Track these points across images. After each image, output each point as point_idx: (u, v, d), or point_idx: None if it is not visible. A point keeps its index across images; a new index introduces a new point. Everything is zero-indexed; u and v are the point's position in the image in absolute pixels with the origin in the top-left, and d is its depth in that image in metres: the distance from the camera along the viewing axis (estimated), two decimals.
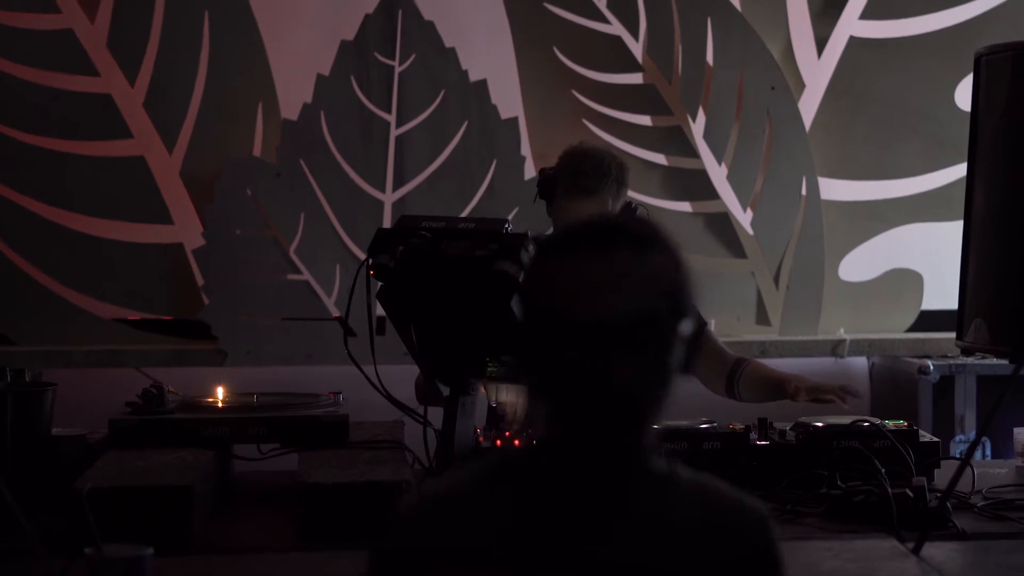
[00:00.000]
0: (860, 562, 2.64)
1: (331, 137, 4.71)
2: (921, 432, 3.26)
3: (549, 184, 3.52)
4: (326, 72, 4.72)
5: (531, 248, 1.76)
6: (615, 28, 4.85)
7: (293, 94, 4.71)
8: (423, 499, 1.69)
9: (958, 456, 4.35)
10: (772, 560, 1.65)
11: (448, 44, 4.76)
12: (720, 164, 4.88)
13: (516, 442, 3.07)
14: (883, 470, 2.98)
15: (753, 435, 3.19)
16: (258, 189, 4.68)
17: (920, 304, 5.00)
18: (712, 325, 3.74)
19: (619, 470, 1.64)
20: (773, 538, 1.66)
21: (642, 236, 1.66)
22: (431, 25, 4.75)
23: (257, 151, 4.73)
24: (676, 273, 1.66)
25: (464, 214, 4.71)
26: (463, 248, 2.86)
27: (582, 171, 3.48)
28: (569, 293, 1.62)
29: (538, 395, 1.67)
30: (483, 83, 4.77)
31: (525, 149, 4.80)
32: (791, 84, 4.91)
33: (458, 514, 1.63)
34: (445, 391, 2.98)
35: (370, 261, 2.91)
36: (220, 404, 3.31)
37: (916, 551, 2.68)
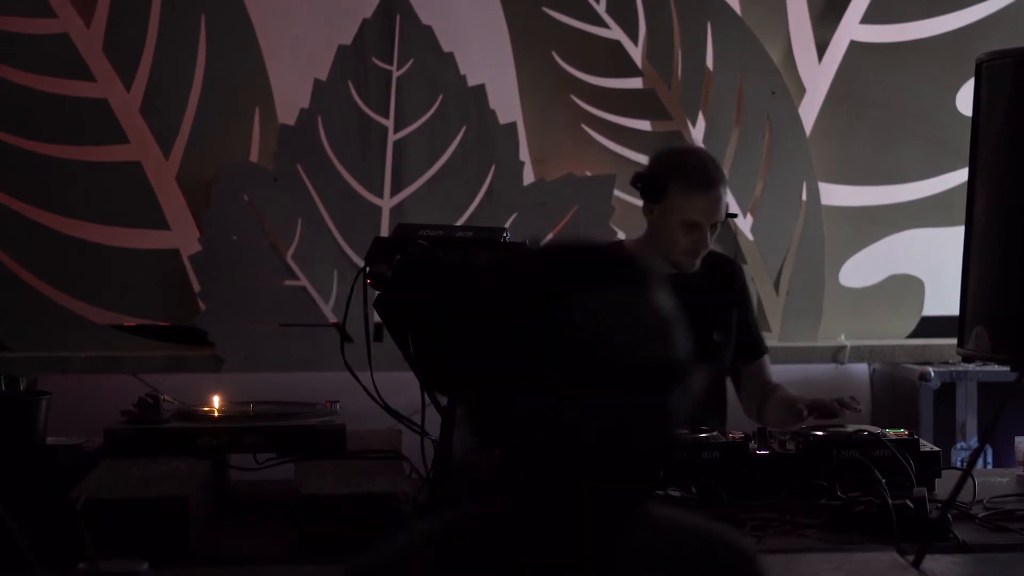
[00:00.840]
0: (860, 575, 2.63)
1: (329, 142, 4.69)
2: (922, 441, 3.26)
3: (663, 182, 3.58)
4: (323, 77, 4.70)
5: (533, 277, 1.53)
6: (614, 32, 4.83)
7: (290, 99, 4.69)
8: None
9: (959, 464, 4.37)
10: None
11: (446, 48, 4.74)
12: None
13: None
14: (883, 480, 2.97)
15: (752, 445, 3.18)
16: (255, 195, 4.66)
17: (921, 310, 4.98)
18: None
19: (603, 523, 1.53)
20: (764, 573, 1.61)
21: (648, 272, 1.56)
22: (429, 29, 4.73)
23: (254, 156, 4.71)
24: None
25: (462, 220, 4.70)
26: (461, 257, 2.86)
27: (705, 163, 3.61)
28: (615, 332, 1.50)
29: (533, 449, 1.50)
30: (481, 88, 4.75)
31: (524, 154, 4.77)
32: (791, 89, 4.89)
33: None
34: (443, 401, 2.96)
35: (367, 270, 2.90)
36: (216, 413, 3.30)
37: (916, 564, 2.66)
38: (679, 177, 3.59)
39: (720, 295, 3.68)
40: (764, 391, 3.70)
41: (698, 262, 3.64)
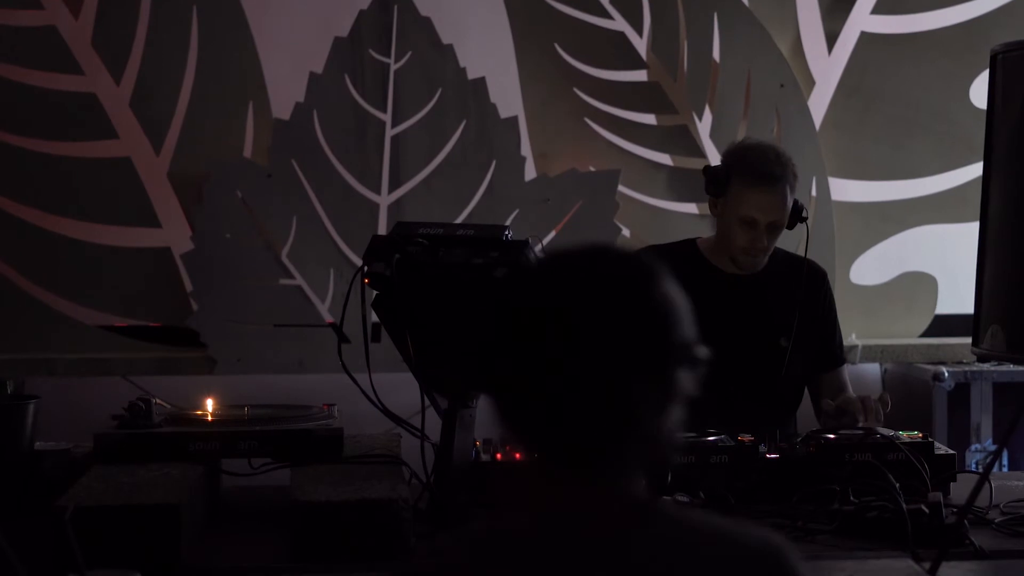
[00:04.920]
0: None
1: (324, 137, 4.66)
2: (937, 444, 3.23)
3: (725, 175, 3.53)
4: (319, 70, 4.66)
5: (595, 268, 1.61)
6: (618, 24, 4.80)
7: (285, 93, 4.67)
8: None
9: (974, 467, 4.33)
10: None
11: (445, 40, 4.71)
12: None
13: (517, 455, 3.02)
14: (897, 485, 2.93)
15: (763, 448, 3.15)
16: (249, 191, 4.63)
17: (934, 308, 4.96)
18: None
19: (629, 519, 1.56)
20: (794, 568, 1.57)
21: None
22: (428, 21, 4.70)
23: (248, 152, 4.68)
24: None
25: (462, 217, 4.68)
26: (461, 256, 2.82)
27: (767, 159, 3.50)
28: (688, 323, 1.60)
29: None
30: (482, 81, 4.72)
31: (525, 149, 4.74)
32: (800, 81, 4.86)
33: None
34: (443, 404, 2.93)
35: (365, 269, 2.87)
36: (209, 417, 3.26)
37: (933, 571, 2.60)
38: (739, 171, 3.51)
39: (792, 299, 3.57)
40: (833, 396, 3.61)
41: (761, 261, 3.56)
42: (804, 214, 3.52)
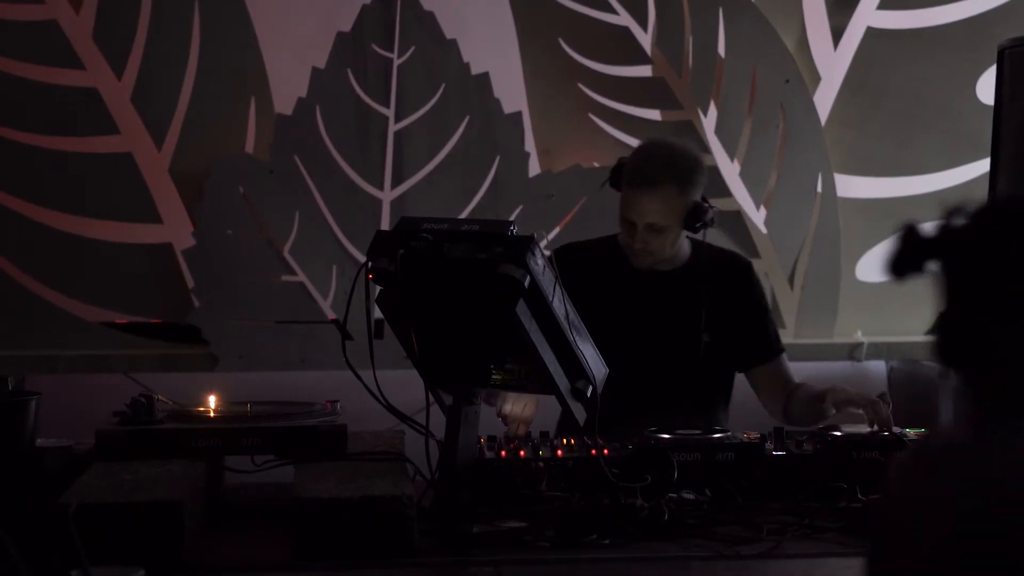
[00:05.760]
0: None
1: (327, 133, 4.65)
2: None
3: (619, 172, 3.53)
4: (322, 65, 4.65)
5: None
6: (623, 19, 4.79)
7: (287, 88, 4.66)
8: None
9: None
10: None
11: (449, 36, 4.70)
12: (732, 160, 4.83)
13: (522, 453, 3.04)
14: None
15: (768, 445, 3.12)
16: (251, 187, 4.62)
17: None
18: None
19: None
20: None
21: None
22: (431, 16, 4.69)
23: (250, 147, 4.68)
24: None
25: (465, 213, 4.66)
26: (466, 251, 2.79)
27: (648, 162, 3.49)
28: None
29: None
30: (485, 76, 4.71)
31: (529, 145, 4.74)
32: (806, 77, 4.85)
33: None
34: (447, 400, 2.91)
35: (369, 264, 2.84)
36: (212, 414, 3.24)
37: None
38: (627, 170, 3.51)
39: (718, 295, 3.56)
40: (786, 390, 3.61)
41: (647, 261, 3.55)
42: (708, 216, 3.46)
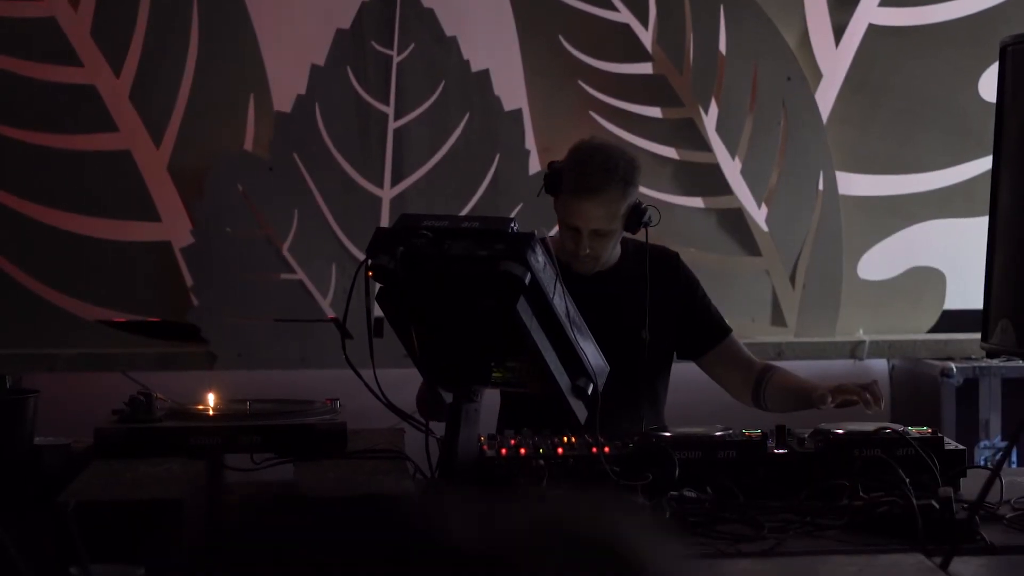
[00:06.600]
0: None
1: (326, 130, 4.64)
2: (946, 440, 3.18)
3: (556, 178, 3.45)
4: (321, 62, 4.65)
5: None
6: (623, 16, 4.78)
7: (286, 85, 4.65)
8: None
9: (983, 463, 4.29)
10: None
11: (449, 33, 4.69)
12: (734, 158, 4.82)
13: (522, 451, 3.01)
14: (907, 480, 2.89)
15: (770, 443, 3.09)
16: (250, 185, 4.61)
17: (942, 304, 4.94)
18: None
19: None
20: None
21: None
22: (431, 13, 4.68)
23: (248, 145, 4.66)
24: None
25: (466, 211, 4.66)
26: (466, 248, 2.77)
27: (588, 167, 3.41)
28: None
29: None
30: (485, 73, 4.70)
31: (529, 142, 4.73)
32: (807, 74, 4.84)
33: None
34: (448, 398, 2.90)
35: (369, 262, 2.82)
36: (211, 412, 3.21)
37: (944, 566, 2.58)
38: (567, 176, 3.43)
39: (653, 291, 3.52)
40: (752, 370, 3.55)
41: (591, 267, 3.49)
42: (646, 218, 3.41)
